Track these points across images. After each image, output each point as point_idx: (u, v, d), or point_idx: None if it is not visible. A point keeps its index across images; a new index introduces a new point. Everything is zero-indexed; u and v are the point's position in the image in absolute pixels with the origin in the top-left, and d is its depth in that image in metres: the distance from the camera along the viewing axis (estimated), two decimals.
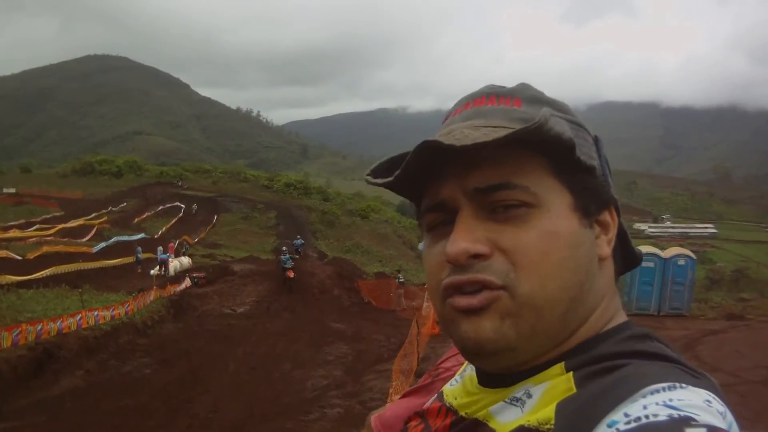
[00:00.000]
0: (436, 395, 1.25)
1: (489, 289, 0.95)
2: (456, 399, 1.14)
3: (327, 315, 26.18)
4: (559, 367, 0.96)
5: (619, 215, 1.08)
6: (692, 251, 31.01)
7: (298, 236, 57.90)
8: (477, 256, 0.96)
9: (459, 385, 1.17)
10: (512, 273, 0.94)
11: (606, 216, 1.05)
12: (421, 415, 1.22)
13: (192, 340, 20.77)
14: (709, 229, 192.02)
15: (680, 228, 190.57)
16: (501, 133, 0.90)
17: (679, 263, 26.36)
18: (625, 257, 1.14)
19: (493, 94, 1.08)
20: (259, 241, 65.02)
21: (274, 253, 50.65)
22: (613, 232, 1.06)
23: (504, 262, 0.95)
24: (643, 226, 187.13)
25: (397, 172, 1.01)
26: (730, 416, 0.78)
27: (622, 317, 1.07)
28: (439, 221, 1.05)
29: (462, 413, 1.08)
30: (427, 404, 1.23)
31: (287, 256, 34.15)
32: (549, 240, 0.95)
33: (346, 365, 17.91)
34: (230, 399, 14.17)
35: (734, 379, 14.02)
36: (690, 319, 25.15)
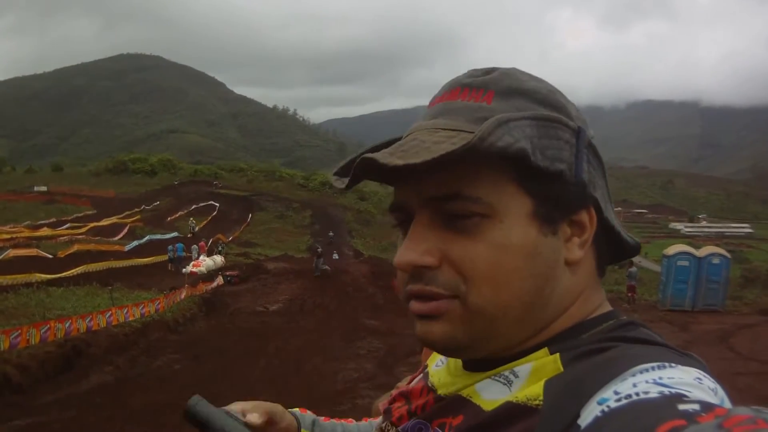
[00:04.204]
0: (421, 375, 1.23)
1: (439, 299, 0.96)
2: (439, 380, 1.13)
3: (361, 312, 25.94)
4: (543, 351, 0.96)
5: (601, 212, 1.03)
6: (728, 251, 31.07)
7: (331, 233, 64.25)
8: (424, 267, 0.96)
9: (443, 367, 1.16)
10: (462, 285, 0.94)
11: (582, 216, 1.00)
12: (405, 395, 1.20)
13: (223, 337, 20.65)
14: (745, 228, 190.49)
15: (716, 227, 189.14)
16: (446, 147, 0.88)
17: (714, 262, 26.56)
18: (616, 248, 1.10)
19: (467, 87, 1.02)
20: (294, 240, 65.38)
21: (309, 251, 51.83)
22: (588, 233, 1.01)
23: (451, 273, 0.95)
24: (679, 226, 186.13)
25: (347, 181, 1.03)
26: (721, 392, 0.78)
27: (606, 308, 1.05)
28: (402, 219, 1.04)
29: (444, 392, 1.08)
30: (412, 384, 1.22)
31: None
32: (498, 252, 0.93)
33: (378, 359, 17.71)
34: (261, 391, 13.86)
35: None
36: (724, 314, 25.15)
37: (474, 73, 1.03)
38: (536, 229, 0.95)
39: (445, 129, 0.96)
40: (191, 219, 55.35)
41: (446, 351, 1.02)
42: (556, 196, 0.96)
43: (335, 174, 1.07)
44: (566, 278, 0.99)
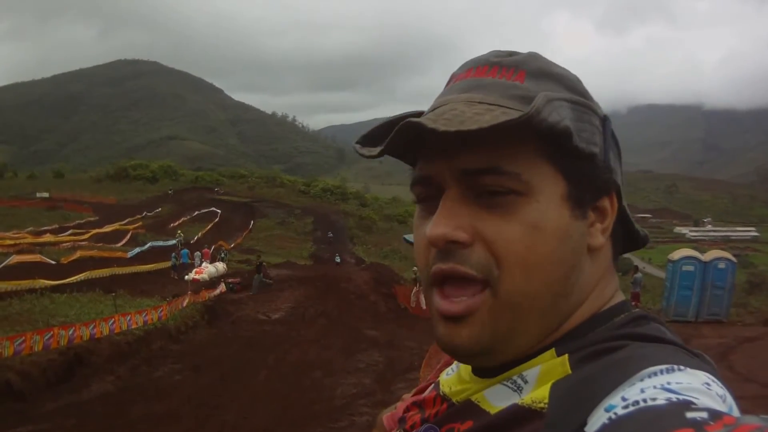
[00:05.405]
0: (433, 385, 1.22)
1: (471, 284, 0.94)
2: (450, 388, 1.12)
3: (362, 321, 25.90)
4: (550, 353, 0.95)
5: (620, 200, 1.03)
6: (733, 255, 30.43)
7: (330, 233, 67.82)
8: (456, 242, 0.93)
9: (454, 375, 1.15)
10: (495, 269, 0.92)
11: (605, 202, 1.00)
12: (418, 404, 1.20)
13: (224, 347, 20.64)
14: (751, 232, 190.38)
15: (721, 231, 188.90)
16: (491, 118, 0.87)
17: (720, 267, 25.72)
18: (627, 238, 1.10)
19: (496, 65, 1.01)
20: (296, 247, 65.48)
21: (311, 258, 52.22)
22: (610, 220, 1.01)
23: (484, 252, 0.93)
24: (684, 230, 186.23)
25: (380, 148, 1.00)
26: (730, 399, 0.76)
27: (619, 297, 1.05)
28: (427, 194, 1.02)
29: (455, 400, 1.07)
30: (425, 394, 1.21)
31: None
32: (533, 233, 0.92)
33: (377, 373, 17.63)
34: (260, 406, 13.97)
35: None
36: (727, 325, 24.54)
37: (500, 54, 1.04)
38: (569, 212, 0.95)
39: (481, 102, 0.94)
40: (178, 232, 55.15)
41: (468, 356, 1.00)
42: (588, 179, 0.97)
43: (358, 143, 1.06)
44: (587, 266, 0.99)
